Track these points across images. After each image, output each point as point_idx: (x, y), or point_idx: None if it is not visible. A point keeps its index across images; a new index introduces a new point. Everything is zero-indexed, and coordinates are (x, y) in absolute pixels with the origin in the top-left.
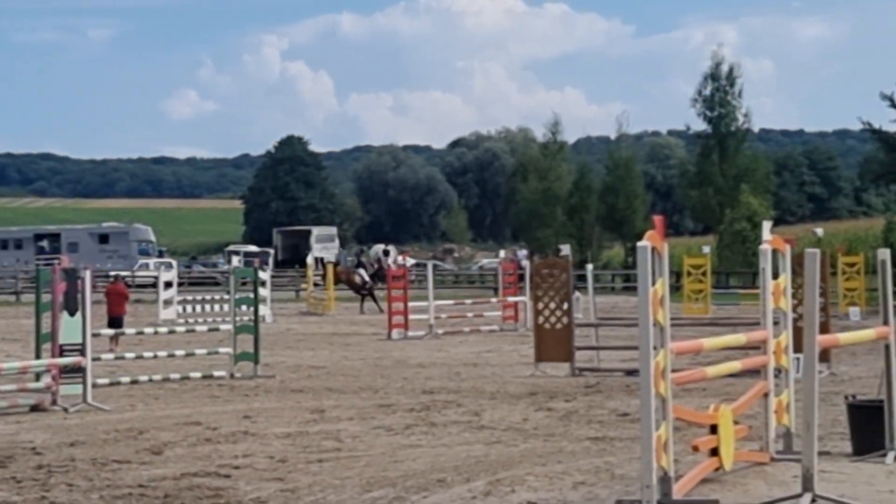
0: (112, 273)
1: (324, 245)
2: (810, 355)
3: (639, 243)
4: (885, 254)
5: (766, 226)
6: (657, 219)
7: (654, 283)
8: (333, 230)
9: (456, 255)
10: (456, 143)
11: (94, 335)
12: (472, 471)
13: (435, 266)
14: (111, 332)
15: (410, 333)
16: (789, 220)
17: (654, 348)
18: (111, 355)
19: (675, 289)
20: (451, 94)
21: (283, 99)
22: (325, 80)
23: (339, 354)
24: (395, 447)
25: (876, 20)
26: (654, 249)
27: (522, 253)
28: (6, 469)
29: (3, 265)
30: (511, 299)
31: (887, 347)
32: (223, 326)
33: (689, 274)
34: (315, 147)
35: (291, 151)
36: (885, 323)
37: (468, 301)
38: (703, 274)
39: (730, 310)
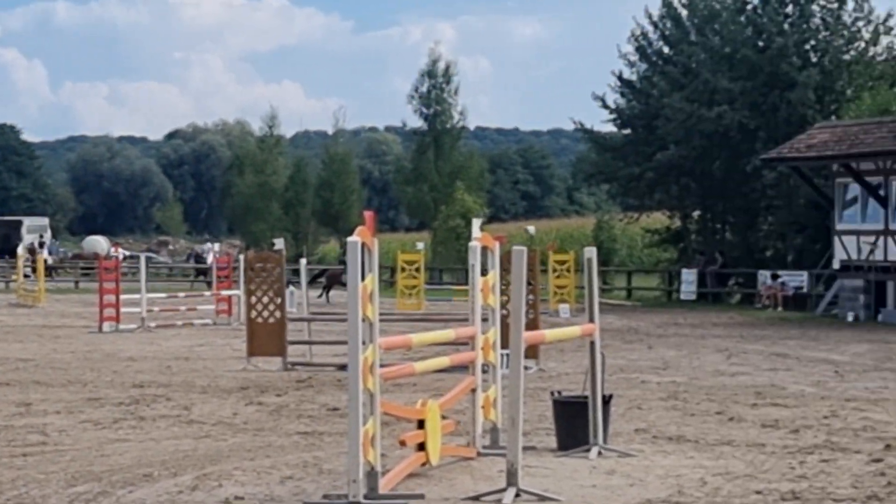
0: None
1: (35, 235)
2: (516, 351)
3: (349, 239)
4: (591, 252)
5: (476, 223)
6: (367, 214)
7: (363, 279)
8: (45, 220)
9: (171, 247)
10: (172, 135)
11: None
12: (179, 465)
13: (148, 258)
14: None
15: (122, 326)
16: (503, 218)
17: (363, 343)
18: None
19: (389, 284)
20: (167, 85)
21: None
22: (40, 68)
23: (48, 347)
24: (102, 441)
25: (589, 21)
26: (364, 245)
27: (207, 247)
28: None
29: None
30: (224, 293)
31: (592, 344)
32: None
33: (403, 270)
34: (28, 136)
35: (3, 140)
36: (591, 320)
37: (181, 294)
38: (417, 270)
39: (443, 306)
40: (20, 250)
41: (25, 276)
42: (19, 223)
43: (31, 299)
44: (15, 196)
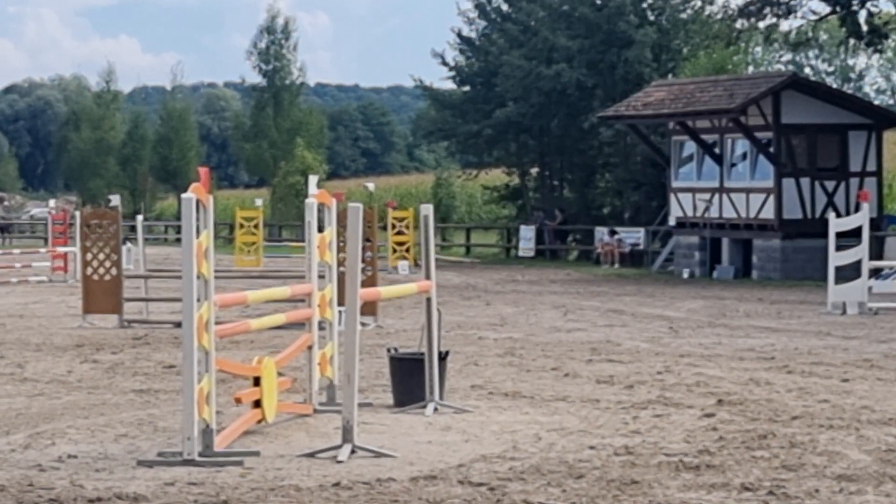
0: None
1: None
2: (352, 308)
3: (183, 195)
4: (427, 209)
5: (313, 180)
6: (202, 170)
7: (198, 236)
8: None
9: (6, 203)
10: (8, 90)
11: None
12: (11, 424)
13: None
14: None
15: None
16: (343, 175)
17: (198, 300)
18: None
19: (228, 241)
20: (2, 40)
21: None
22: None
23: None
24: None
25: None
26: (198, 202)
27: None
28: None
29: None
30: (60, 250)
31: (429, 301)
32: None
33: (241, 226)
34: None
35: None
36: (427, 277)
37: (17, 251)
38: (256, 226)
39: (281, 262)
40: None
41: None
42: None
43: None
44: None
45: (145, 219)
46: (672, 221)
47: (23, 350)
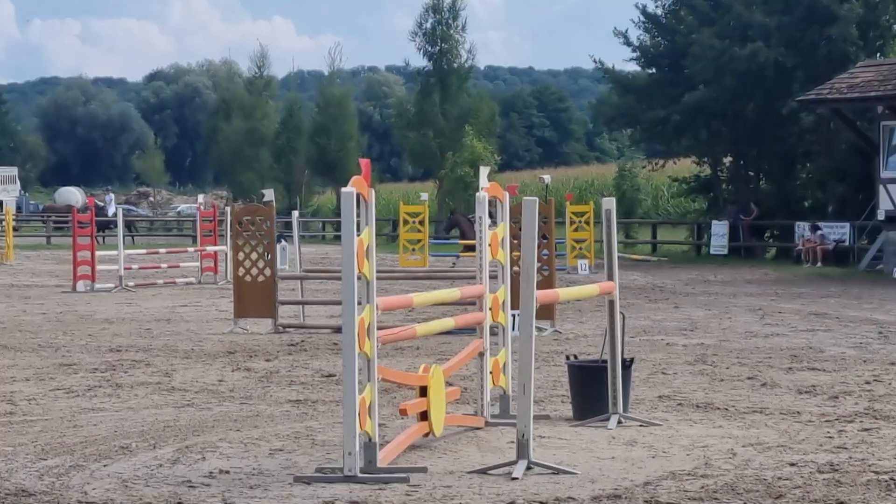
0: None
1: (3, 187)
2: (527, 312)
3: (343, 189)
4: (610, 203)
5: (484, 171)
6: (363, 162)
7: (359, 233)
8: (14, 171)
9: (151, 199)
10: (153, 77)
11: None
12: (159, 436)
13: (127, 211)
14: None
15: (98, 286)
16: (516, 166)
17: (359, 303)
18: None
19: (392, 239)
20: (146, 23)
21: None
22: (5, 4)
23: (17, 308)
24: (75, 411)
25: None
26: (359, 196)
27: (109, 197)
28: None
29: None
30: (210, 249)
31: (611, 304)
32: None
33: (405, 223)
34: None
35: None
36: (610, 278)
37: (163, 250)
38: (421, 223)
39: (449, 262)
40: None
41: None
42: None
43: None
44: None
45: (301, 215)
46: (881, 215)
47: (170, 357)
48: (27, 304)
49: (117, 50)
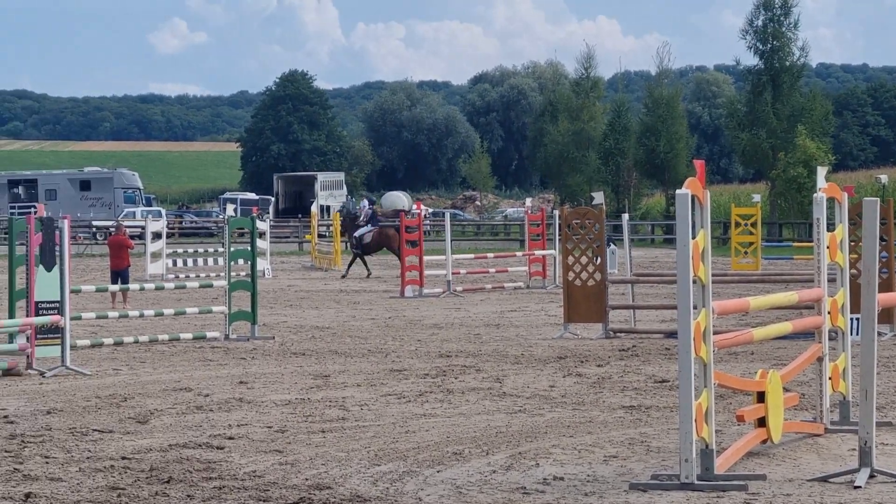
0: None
1: (330, 192)
2: (869, 315)
3: (678, 191)
4: None
5: (822, 172)
6: (698, 163)
7: (694, 236)
8: (341, 176)
9: (477, 203)
10: (478, 80)
11: (73, 292)
12: (491, 443)
13: (454, 216)
14: (115, 287)
15: (426, 291)
16: (850, 166)
17: (694, 308)
18: (92, 314)
19: (723, 241)
20: (470, 25)
21: (283, 30)
22: (330, 9)
23: (346, 314)
24: (406, 416)
25: None
26: (694, 198)
27: (364, 203)
28: None
29: None
30: (538, 253)
31: None
32: (217, 282)
33: (737, 225)
34: (320, 83)
35: (294, 89)
36: None
37: (490, 255)
38: (753, 225)
39: (782, 265)
40: (314, 208)
41: (321, 236)
42: (313, 179)
43: (327, 262)
44: (307, 149)
45: (630, 218)
46: None
47: (501, 363)
48: (356, 309)
49: (441, 53)
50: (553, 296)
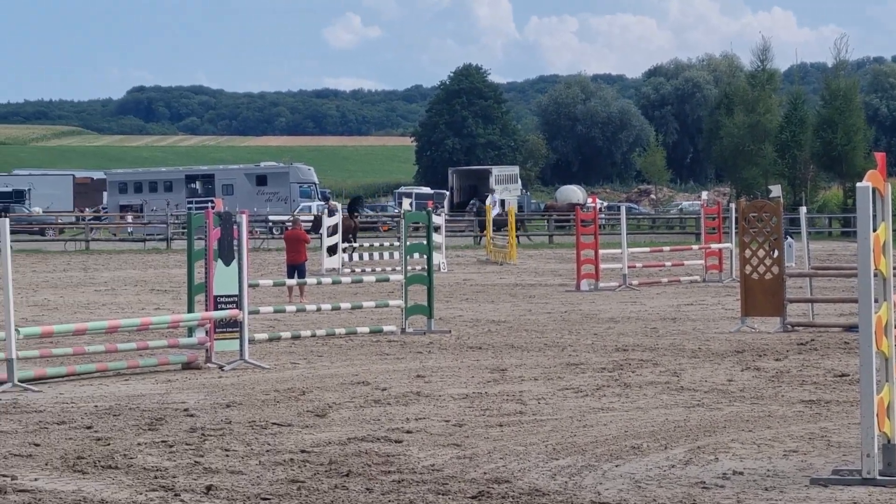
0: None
1: (505, 186)
2: None
3: (859, 184)
4: None
5: None
6: (879, 156)
7: (875, 228)
8: (515, 170)
9: (652, 196)
10: (652, 73)
11: (251, 286)
12: (670, 437)
13: (629, 209)
14: (293, 282)
15: (601, 285)
16: None
17: (875, 301)
18: (269, 308)
19: None
20: (644, 18)
21: (456, 24)
22: (503, 3)
23: (522, 308)
24: (584, 410)
25: None
26: (875, 190)
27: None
28: (157, 432)
29: (152, 209)
30: (715, 246)
31: None
32: (393, 277)
33: None
34: (494, 77)
35: (468, 83)
36: None
37: (666, 248)
38: None
39: None
40: (489, 202)
41: (496, 230)
42: (488, 173)
43: (502, 256)
44: (482, 143)
45: (807, 210)
46: None
47: (678, 356)
48: (532, 303)
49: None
50: (730, 289)
